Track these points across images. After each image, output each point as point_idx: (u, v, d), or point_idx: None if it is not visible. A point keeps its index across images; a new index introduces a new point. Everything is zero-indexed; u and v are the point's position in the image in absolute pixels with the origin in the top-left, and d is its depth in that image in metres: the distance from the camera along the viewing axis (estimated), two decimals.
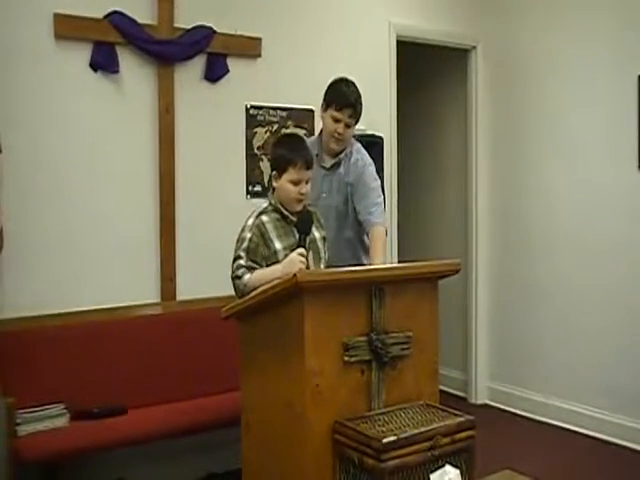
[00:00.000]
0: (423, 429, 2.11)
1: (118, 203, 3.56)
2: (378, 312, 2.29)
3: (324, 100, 3.33)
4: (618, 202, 4.24)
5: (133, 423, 3.15)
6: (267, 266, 2.70)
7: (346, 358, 2.22)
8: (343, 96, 3.26)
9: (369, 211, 3.26)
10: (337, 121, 3.24)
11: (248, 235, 2.73)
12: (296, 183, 2.74)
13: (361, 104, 3.31)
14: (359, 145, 3.43)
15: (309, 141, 3.38)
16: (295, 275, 2.11)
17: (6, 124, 3.21)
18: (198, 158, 3.78)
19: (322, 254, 2.92)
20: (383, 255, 3.15)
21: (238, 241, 2.76)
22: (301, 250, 2.64)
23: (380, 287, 2.29)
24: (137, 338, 3.48)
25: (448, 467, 2.12)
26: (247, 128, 3.96)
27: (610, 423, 4.25)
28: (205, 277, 3.73)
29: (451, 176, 5.40)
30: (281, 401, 2.26)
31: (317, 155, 3.29)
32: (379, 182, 3.38)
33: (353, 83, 3.34)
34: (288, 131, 4.05)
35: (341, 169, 3.33)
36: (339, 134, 3.24)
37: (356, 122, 3.33)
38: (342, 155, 3.32)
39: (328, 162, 3.34)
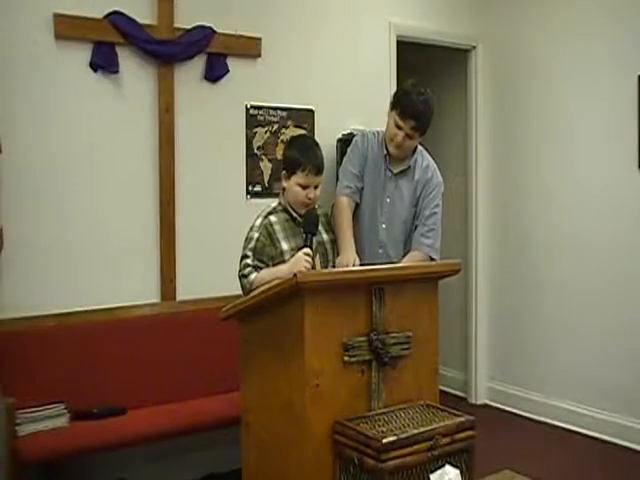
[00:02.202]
0: (423, 429, 2.11)
1: (118, 203, 3.55)
2: (378, 312, 2.29)
3: (392, 98, 3.11)
4: (618, 202, 4.24)
5: (133, 423, 3.15)
6: (273, 266, 2.71)
7: (346, 358, 2.22)
8: (410, 105, 3.01)
9: (425, 234, 3.11)
10: (399, 128, 3.02)
11: (255, 235, 2.74)
12: (304, 187, 2.74)
13: (428, 118, 3.06)
14: (431, 160, 3.23)
15: (374, 137, 3.19)
16: (295, 275, 2.11)
17: (6, 124, 3.21)
18: (198, 158, 3.78)
19: (330, 257, 2.91)
20: None
21: (246, 240, 2.77)
22: (307, 250, 2.63)
23: (380, 287, 2.29)
24: (137, 338, 3.48)
25: (448, 467, 2.12)
26: (247, 128, 3.95)
27: (610, 423, 4.25)
28: (205, 277, 3.73)
29: (451, 176, 5.38)
30: (281, 401, 2.26)
31: (385, 155, 3.12)
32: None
33: (427, 93, 3.09)
34: (294, 131, 4.05)
35: (415, 177, 3.13)
36: (398, 142, 3.04)
37: (421, 135, 3.10)
38: (411, 162, 3.13)
39: (396, 167, 3.13)
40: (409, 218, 3.15)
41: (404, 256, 3.15)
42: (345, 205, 3.10)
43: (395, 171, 3.15)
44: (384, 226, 3.14)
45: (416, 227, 3.16)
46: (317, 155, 2.79)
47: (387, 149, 3.13)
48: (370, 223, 3.16)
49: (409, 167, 3.15)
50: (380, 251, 3.14)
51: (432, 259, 3.13)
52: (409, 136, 3.05)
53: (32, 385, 3.14)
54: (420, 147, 3.24)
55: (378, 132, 3.23)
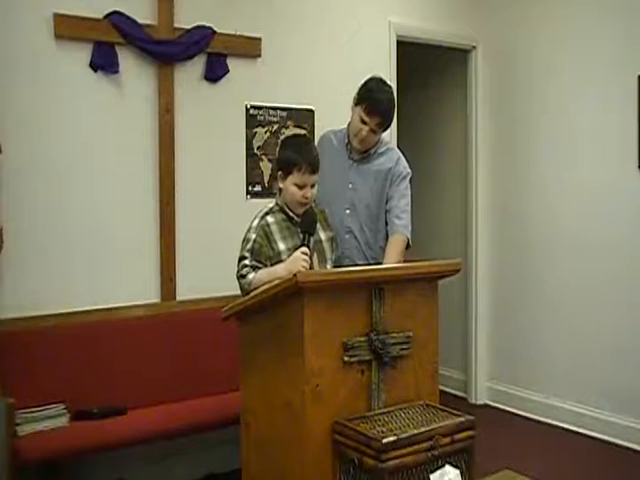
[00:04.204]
0: (423, 429, 2.11)
1: (118, 203, 3.55)
2: (378, 312, 2.29)
3: (357, 94, 3.18)
4: (618, 202, 4.24)
5: (133, 423, 3.15)
6: (271, 266, 2.71)
7: (346, 358, 2.22)
8: (375, 102, 3.09)
9: (398, 215, 3.18)
10: (363, 122, 3.11)
11: (253, 236, 2.75)
12: (301, 187, 2.74)
13: (392, 114, 3.17)
14: (395, 148, 3.34)
15: (340, 130, 3.31)
16: (295, 275, 2.11)
17: (6, 124, 3.21)
18: (198, 158, 3.78)
19: (327, 255, 2.91)
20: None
21: (243, 241, 2.78)
22: (304, 249, 2.63)
23: (380, 287, 2.29)
24: (137, 338, 3.48)
25: (448, 467, 2.12)
26: (247, 128, 3.96)
27: (610, 423, 4.25)
28: (205, 277, 3.73)
29: (451, 176, 5.40)
30: (281, 401, 2.26)
31: (347, 144, 3.23)
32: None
33: (390, 89, 3.21)
34: (296, 132, 4.05)
35: (380, 160, 3.22)
36: (362, 137, 3.13)
37: (384, 130, 3.20)
38: (374, 151, 3.22)
39: (358, 155, 3.23)
40: (372, 202, 3.21)
41: (383, 248, 3.22)
42: None
43: (356, 157, 3.24)
44: (348, 212, 3.21)
45: (387, 212, 3.23)
46: (312, 154, 2.80)
47: (349, 141, 3.23)
48: (335, 211, 3.22)
49: (370, 154, 3.24)
50: (347, 236, 3.22)
51: (408, 239, 3.22)
52: (373, 131, 3.14)
53: (32, 385, 3.14)
54: (383, 138, 3.33)
55: (341, 129, 3.33)
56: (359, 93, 3.19)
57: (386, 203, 3.23)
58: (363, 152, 3.23)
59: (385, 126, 3.18)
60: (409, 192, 3.28)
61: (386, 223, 3.25)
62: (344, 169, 3.24)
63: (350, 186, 3.22)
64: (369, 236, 3.23)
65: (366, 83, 3.23)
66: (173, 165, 3.68)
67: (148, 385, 3.41)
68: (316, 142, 3.42)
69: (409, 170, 3.30)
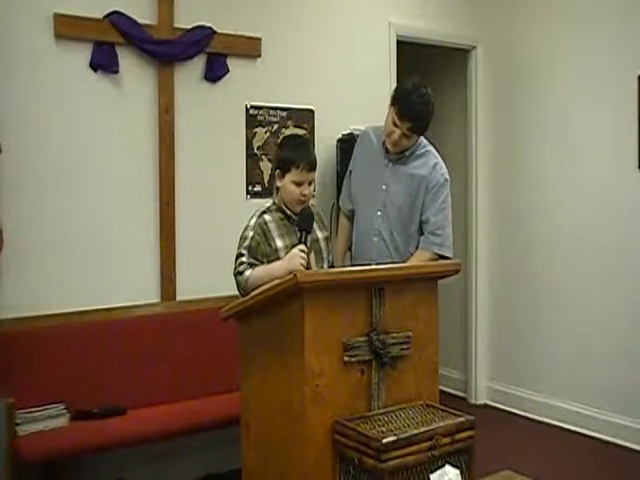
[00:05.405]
0: (423, 429, 2.10)
1: (118, 203, 3.55)
2: (378, 312, 2.29)
3: (393, 92, 3.08)
4: (618, 202, 4.24)
5: (133, 423, 3.15)
6: (268, 263, 2.71)
7: (346, 358, 2.22)
8: (408, 106, 2.97)
9: (433, 231, 3.07)
10: (396, 125, 3.00)
11: (250, 234, 2.76)
12: (299, 184, 2.75)
13: (427, 120, 3.03)
14: (433, 153, 3.20)
15: (379, 127, 3.19)
16: (295, 275, 2.11)
17: (6, 124, 3.21)
18: (198, 158, 3.78)
19: (324, 255, 2.92)
20: None
21: (241, 239, 2.79)
22: (302, 246, 2.65)
23: (380, 287, 2.29)
24: (137, 338, 3.48)
25: (448, 467, 2.12)
26: (247, 128, 3.95)
27: (610, 423, 4.25)
28: (205, 277, 3.73)
29: (451, 176, 5.38)
30: (281, 401, 2.26)
31: (384, 143, 3.13)
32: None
33: (428, 94, 3.04)
34: (293, 131, 4.05)
35: (416, 163, 3.11)
36: (394, 140, 3.04)
37: (418, 135, 3.09)
38: (410, 152, 3.12)
39: (393, 154, 3.11)
40: (405, 206, 3.12)
41: (411, 254, 3.15)
42: (346, 228, 3.42)
43: (392, 157, 3.15)
44: (379, 213, 3.16)
45: (422, 224, 3.13)
46: (310, 152, 2.82)
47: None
48: (366, 212, 3.18)
49: (405, 155, 3.14)
50: (375, 239, 3.16)
51: (444, 257, 3.10)
52: (405, 135, 3.04)
53: (32, 385, 3.14)
54: (423, 139, 3.21)
55: (380, 127, 3.23)
56: (395, 92, 3.08)
57: (421, 213, 3.11)
58: (399, 152, 3.14)
59: (418, 132, 3.06)
60: (448, 202, 3.14)
61: (421, 232, 3.16)
62: (379, 169, 3.15)
63: (384, 187, 3.14)
64: (399, 241, 3.13)
65: (403, 82, 3.11)
66: (173, 165, 3.68)
67: (148, 385, 3.42)
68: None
69: (447, 177, 3.16)
